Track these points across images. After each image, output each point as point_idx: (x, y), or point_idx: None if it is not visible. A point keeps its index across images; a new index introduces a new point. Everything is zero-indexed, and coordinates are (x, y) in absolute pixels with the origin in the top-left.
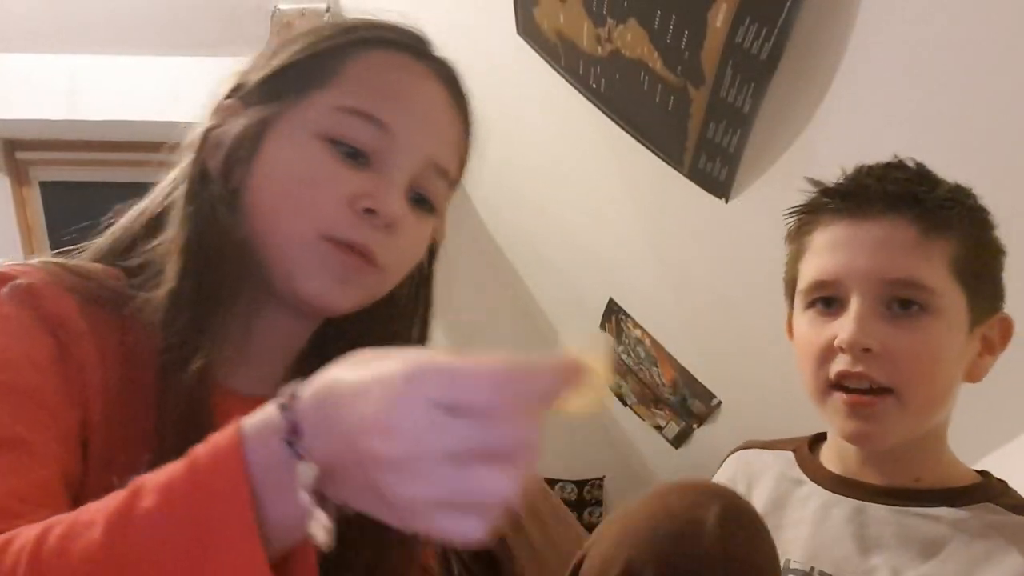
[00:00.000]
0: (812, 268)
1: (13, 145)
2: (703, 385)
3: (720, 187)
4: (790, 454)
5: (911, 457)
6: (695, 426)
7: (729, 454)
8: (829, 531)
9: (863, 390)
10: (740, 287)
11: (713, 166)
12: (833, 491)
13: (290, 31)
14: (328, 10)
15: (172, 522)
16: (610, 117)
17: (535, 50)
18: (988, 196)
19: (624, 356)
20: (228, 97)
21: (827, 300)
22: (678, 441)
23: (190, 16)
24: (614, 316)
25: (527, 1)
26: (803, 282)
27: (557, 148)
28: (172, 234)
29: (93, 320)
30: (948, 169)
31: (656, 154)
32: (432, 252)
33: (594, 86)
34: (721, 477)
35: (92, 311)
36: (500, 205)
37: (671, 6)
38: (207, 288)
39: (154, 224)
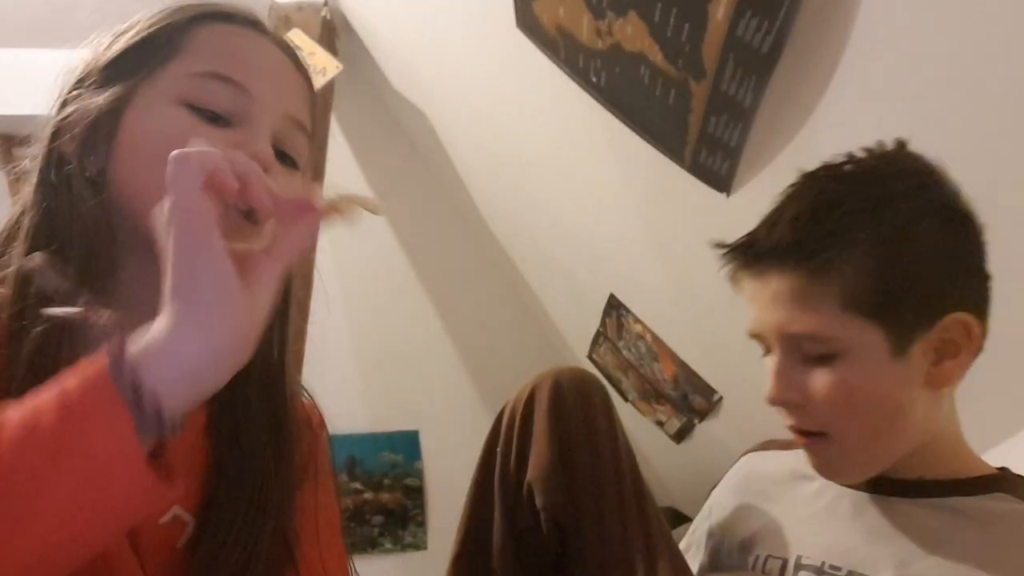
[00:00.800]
0: (748, 321)
1: (10, 141)
2: (704, 380)
3: (721, 181)
4: (804, 452)
5: (919, 459)
6: (696, 421)
7: (745, 453)
8: (839, 524)
9: (809, 433)
10: None
11: (714, 160)
12: (844, 484)
13: (288, 26)
14: (326, 3)
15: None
16: (610, 111)
17: (534, 44)
18: (990, 190)
19: (625, 351)
20: (75, 88)
21: (768, 349)
22: (679, 437)
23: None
24: (614, 311)
25: None
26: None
27: (556, 142)
28: (24, 222)
29: None
30: (950, 163)
31: (657, 148)
32: None
33: (594, 80)
34: (726, 483)
35: None
36: (499, 200)
37: None
38: (63, 263)
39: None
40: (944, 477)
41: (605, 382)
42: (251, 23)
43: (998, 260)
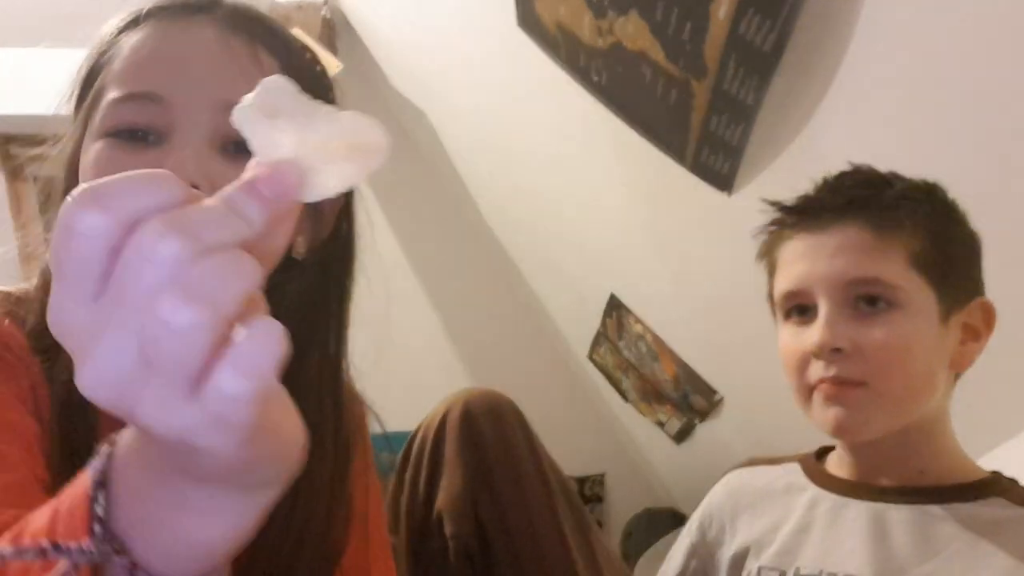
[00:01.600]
0: (782, 281)
1: (8, 141)
2: (704, 380)
3: (723, 180)
4: (796, 465)
5: (910, 450)
6: (697, 422)
7: (729, 470)
8: (834, 533)
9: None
10: (743, 282)
11: (716, 159)
12: (842, 494)
13: (288, 25)
14: (325, 3)
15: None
16: (611, 110)
17: (535, 42)
18: (991, 189)
19: (625, 352)
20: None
21: (801, 309)
22: (680, 437)
23: None
24: (615, 311)
25: None
26: (777, 296)
27: (558, 142)
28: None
29: (36, 344)
30: (952, 162)
31: (658, 147)
32: (348, 205)
33: (595, 79)
34: (711, 499)
35: (34, 335)
36: (500, 199)
37: None
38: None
39: None
40: (941, 481)
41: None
42: (190, 11)
43: (998, 261)
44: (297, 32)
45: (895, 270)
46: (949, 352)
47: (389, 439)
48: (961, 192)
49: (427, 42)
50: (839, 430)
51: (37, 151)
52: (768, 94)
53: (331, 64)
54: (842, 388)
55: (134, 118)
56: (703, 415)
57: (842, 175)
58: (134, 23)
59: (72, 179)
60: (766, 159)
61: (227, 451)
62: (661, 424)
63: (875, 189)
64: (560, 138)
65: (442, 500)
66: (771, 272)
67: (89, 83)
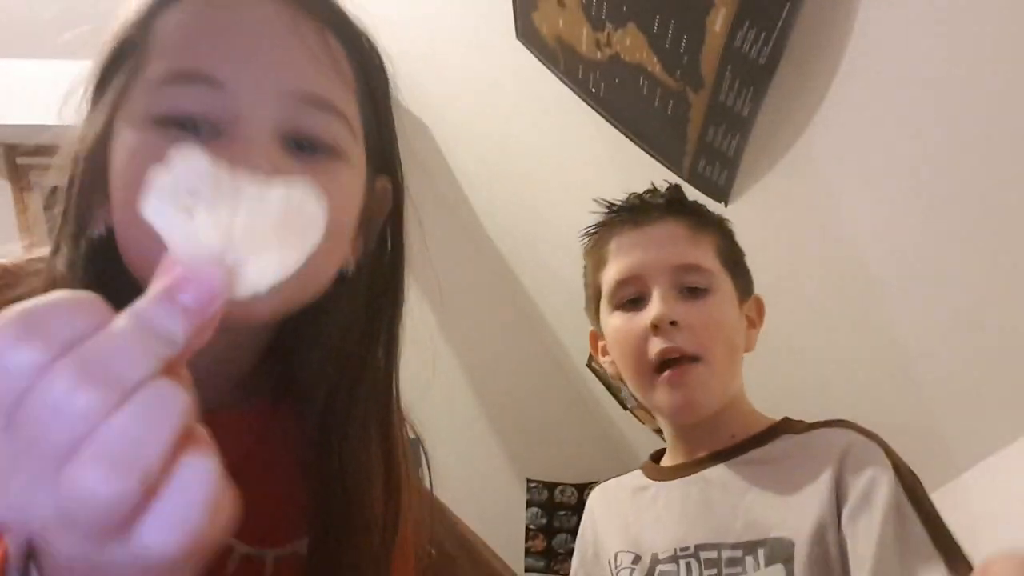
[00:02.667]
0: (613, 271)
1: (14, 150)
2: None
3: (720, 191)
4: (638, 471)
5: (724, 421)
6: None
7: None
8: (676, 514)
9: (677, 360)
10: None
11: (712, 170)
12: (671, 479)
13: None
14: None
15: None
16: (609, 121)
17: (534, 55)
18: (988, 201)
19: None
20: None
21: (633, 300)
22: None
23: None
24: None
25: (526, 6)
26: (607, 286)
27: (556, 152)
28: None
29: None
30: (946, 173)
31: (656, 158)
32: (399, 222)
33: (593, 90)
34: (585, 516)
35: None
36: (499, 209)
37: (670, 11)
38: None
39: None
40: (746, 436)
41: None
42: None
43: (997, 263)
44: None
45: (708, 258)
46: (742, 336)
47: None
48: (955, 199)
49: (427, 54)
50: (682, 410)
51: (46, 161)
52: (764, 105)
53: None
54: (684, 370)
55: (187, 105)
56: None
57: (651, 189)
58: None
59: (93, 172)
60: (762, 169)
61: None
62: (660, 432)
63: (681, 196)
64: (558, 149)
65: None
66: (597, 268)
67: (117, 63)
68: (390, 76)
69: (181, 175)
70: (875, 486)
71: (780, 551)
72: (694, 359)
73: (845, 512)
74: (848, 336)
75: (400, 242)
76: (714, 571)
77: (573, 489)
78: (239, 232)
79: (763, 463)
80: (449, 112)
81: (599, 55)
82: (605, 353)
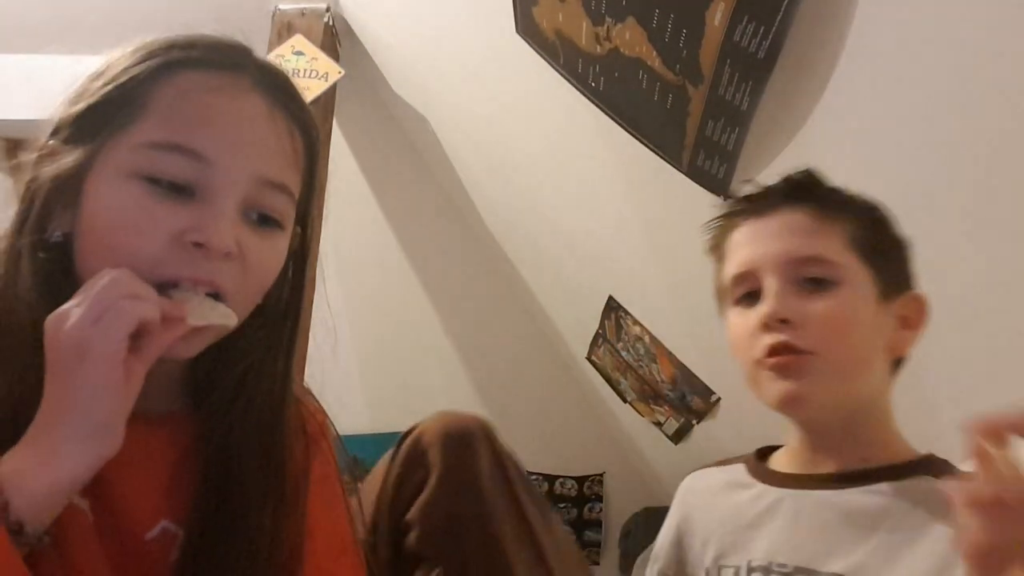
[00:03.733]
0: (730, 267)
1: (16, 146)
2: (702, 381)
3: (719, 185)
4: (741, 465)
5: (854, 436)
6: (694, 422)
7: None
8: (780, 524)
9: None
10: None
11: (712, 164)
12: (783, 487)
13: (291, 31)
14: (328, 9)
15: None
16: (609, 116)
17: (534, 49)
18: (986, 195)
19: (624, 353)
20: (50, 139)
21: (749, 295)
22: (677, 437)
23: (189, 17)
24: (613, 313)
25: (526, 0)
26: (726, 281)
27: (556, 146)
28: None
29: None
30: (945, 168)
31: (655, 152)
32: (302, 259)
33: (593, 85)
34: (675, 503)
35: None
36: (499, 204)
37: (669, 5)
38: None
39: None
40: (879, 464)
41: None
42: (226, 64)
43: (997, 263)
44: (300, 39)
45: (835, 248)
46: (885, 335)
47: (393, 439)
48: (952, 196)
49: (428, 49)
50: (788, 401)
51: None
52: (763, 99)
53: (333, 70)
54: (791, 359)
55: (173, 170)
56: (701, 416)
57: (785, 175)
58: (171, 66)
59: (67, 196)
60: (761, 163)
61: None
62: (659, 424)
63: (814, 181)
64: (558, 143)
65: (417, 513)
66: (720, 264)
67: (108, 108)
68: (319, 146)
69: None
70: None
71: None
72: (807, 353)
73: None
74: None
75: (301, 274)
76: None
77: (573, 481)
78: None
79: (894, 506)
80: (449, 106)
81: (599, 49)
82: None
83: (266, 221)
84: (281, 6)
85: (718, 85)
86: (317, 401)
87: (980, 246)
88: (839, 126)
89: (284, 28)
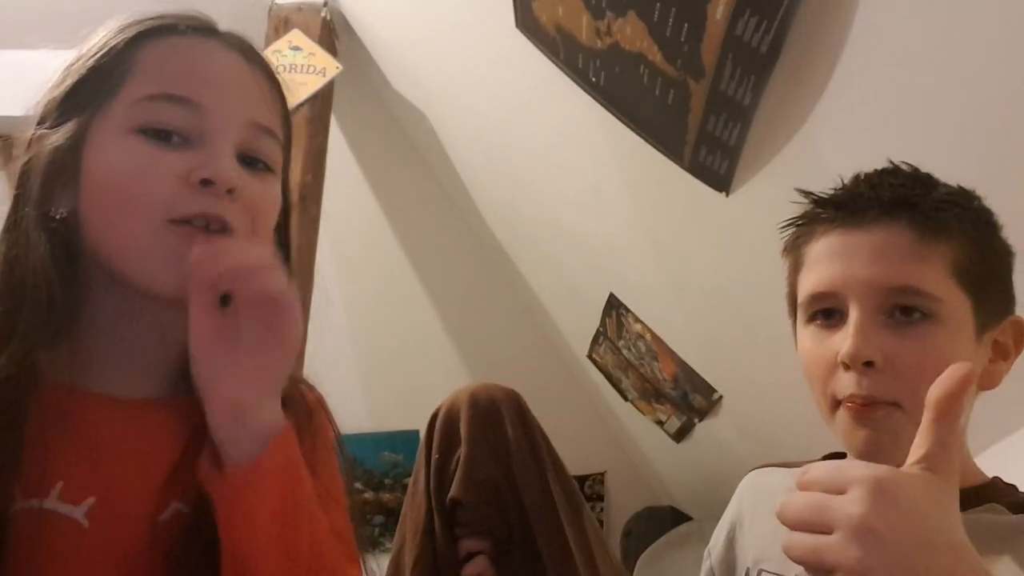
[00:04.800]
0: (809, 281)
1: (11, 141)
2: (704, 379)
3: (720, 180)
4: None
5: None
6: (696, 421)
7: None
8: None
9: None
10: (741, 281)
11: (713, 159)
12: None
13: (288, 26)
14: (325, 4)
15: None
16: (609, 111)
17: (534, 44)
18: (989, 191)
19: (625, 351)
20: (36, 128)
21: (827, 312)
22: (679, 436)
23: (185, 12)
24: (614, 311)
25: None
26: (802, 295)
27: (556, 142)
28: None
29: None
30: (949, 163)
31: (656, 147)
32: (285, 216)
33: (593, 80)
34: (734, 499)
35: None
36: (499, 200)
37: None
38: (14, 316)
39: None
40: None
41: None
42: (200, 29)
43: None
44: (297, 33)
45: (936, 279)
46: (980, 371)
47: (393, 439)
48: None
49: (426, 44)
50: (869, 453)
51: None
52: (765, 94)
53: (331, 66)
54: (873, 407)
55: (169, 118)
56: (702, 414)
57: (883, 172)
58: (148, 34)
59: (66, 173)
60: (763, 159)
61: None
62: (661, 423)
63: (921, 190)
64: (559, 139)
65: (456, 489)
66: (795, 268)
67: (94, 82)
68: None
69: None
70: None
71: None
72: (891, 404)
73: None
74: None
75: (287, 234)
76: None
77: (574, 480)
78: None
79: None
80: (447, 102)
81: (599, 44)
82: None
83: (259, 165)
84: (278, 0)
85: (720, 80)
86: (311, 384)
87: None
88: (842, 121)
89: (281, 23)
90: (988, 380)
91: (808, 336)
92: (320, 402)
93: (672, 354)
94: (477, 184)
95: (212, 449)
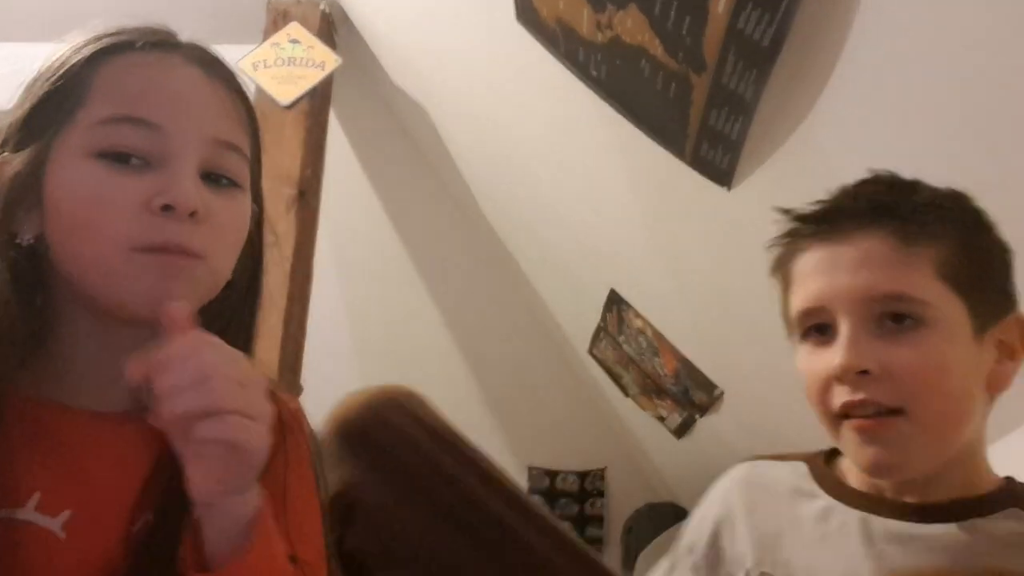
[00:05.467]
0: (798, 298)
1: None
2: (705, 375)
3: (722, 175)
4: (803, 465)
5: (945, 475)
6: (697, 416)
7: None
8: (849, 551)
9: (870, 415)
10: (742, 276)
11: (715, 153)
12: (858, 508)
13: (286, 19)
14: None
15: None
16: (610, 104)
17: (534, 37)
18: (992, 188)
19: (626, 346)
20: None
21: (820, 328)
22: (680, 431)
23: (184, 6)
24: (615, 306)
25: None
26: (793, 313)
27: (556, 136)
28: None
29: None
30: (950, 157)
31: (657, 142)
32: (259, 236)
33: (594, 73)
34: (719, 492)
35: None
36: (500, 196)
37: None
38: None
39: None
40: (963, 496)
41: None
42: (159, 44)
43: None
44: (296, 27)
45: (922, 283)
46: (984, 372)
47: None
48: (961, 183)
49: (426, 37)
50: (879, 471)
51: None
52: (767, 88)
53: (330, 59)
54: (879, 422)
55: (128, 141)
56: (703, 410)
57: (863, 182)
58: (105, 52)
59: (29, 197)
60: (765, 153)
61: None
62: (662, 419)
63: (899, 195)
64: (559, 133)
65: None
66: (786, 287)
67: (52, 104)
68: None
69: None
70: None
71: None
72: (895, 411)
73: None
74: None
75: (260, 250)
76: None
77: (575, 476)
78: None
79: (980, 544)
80: (447, 96)
81: (600, 37)
82: None
83: (224, 182)
84: None
85: (722, 73)
86: (289, 396)
87: None
88: (845, 115)
89: (280, 16)
90: (997, 381)
91: (804, 354)
92: (297, 416)
93: (673, 350)
94: (476, 178)
95: (194, 545)
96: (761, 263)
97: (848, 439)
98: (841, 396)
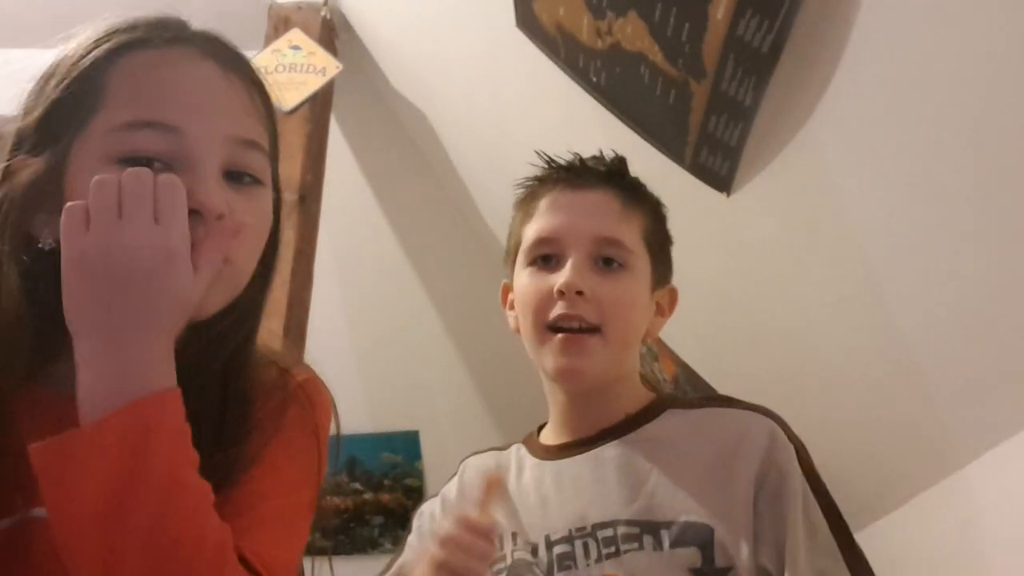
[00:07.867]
0: (536, 228)
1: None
2: (704, 380)
3: (721, 181)
4: (519, 445)
5: (615, 399)
6: None
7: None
8: (567, 495)
9: (574, 329)
10: (741, 281)
11: (714, 160)
12: (562, 458)
13: (288, 25)
14: (325, 3)
15: None
16: (610, 111)
17: (534, 43)
18: (988, 191)
19: None
20: (13, 153)
21: (546, 257)
22: None
23: (184, 10)
24: None
25: None
26: (527, 242)
27: (556, 142)
28: None
29: None
30: (950, 162)
31: (657, 148)
32: (277, 223)
33: (594, 80)
34: (449, 489)
35: None
36: (500, 202)
37: None
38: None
39: None
40: (634, 411)
41: None
42: (173, 40)
43: (1001, 253)
44: (297, 32)
45: (633, 238)
46: (648, 319)
47: (393, 439)
48: (959, 189)
49: (426, 43)
50: (568, 375)
51: None
52: (766, 95)
53: (331, 65)
54: (580, 338)
55: (149, 146)
56: None
57: (596, 155)
58: (120, 50)
59: (49, 201)
60: (764, 159)
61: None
62: None
63: (623, 168)
64: (559, 139)
65: None
66: (522, 221)
67: (68, 106)
68: (275, 109)
69: None
70: (787, 477)
71: (694, 535)
72: (592, 330)
73: (760, 500)
74: (850, 326)
75: (277, 240)
76: (612, 548)
77: None
78: None
79: (659, 441)
80: (448, 101)
81: (600, 44)
82: (512, 307)
83: (246, 179)
84: (278, 0)
85: (721, 80)
86: (308, 371)
87: (983, 239)
88: (843, 121)
89: (280, 22)
90: (652, 331)
91: (527, 275)
92: (305, 387)
93: (672, 354)
94: (477, 183)
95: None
96: (761, 267)
97: (552, 349)
98: (557, 310)
